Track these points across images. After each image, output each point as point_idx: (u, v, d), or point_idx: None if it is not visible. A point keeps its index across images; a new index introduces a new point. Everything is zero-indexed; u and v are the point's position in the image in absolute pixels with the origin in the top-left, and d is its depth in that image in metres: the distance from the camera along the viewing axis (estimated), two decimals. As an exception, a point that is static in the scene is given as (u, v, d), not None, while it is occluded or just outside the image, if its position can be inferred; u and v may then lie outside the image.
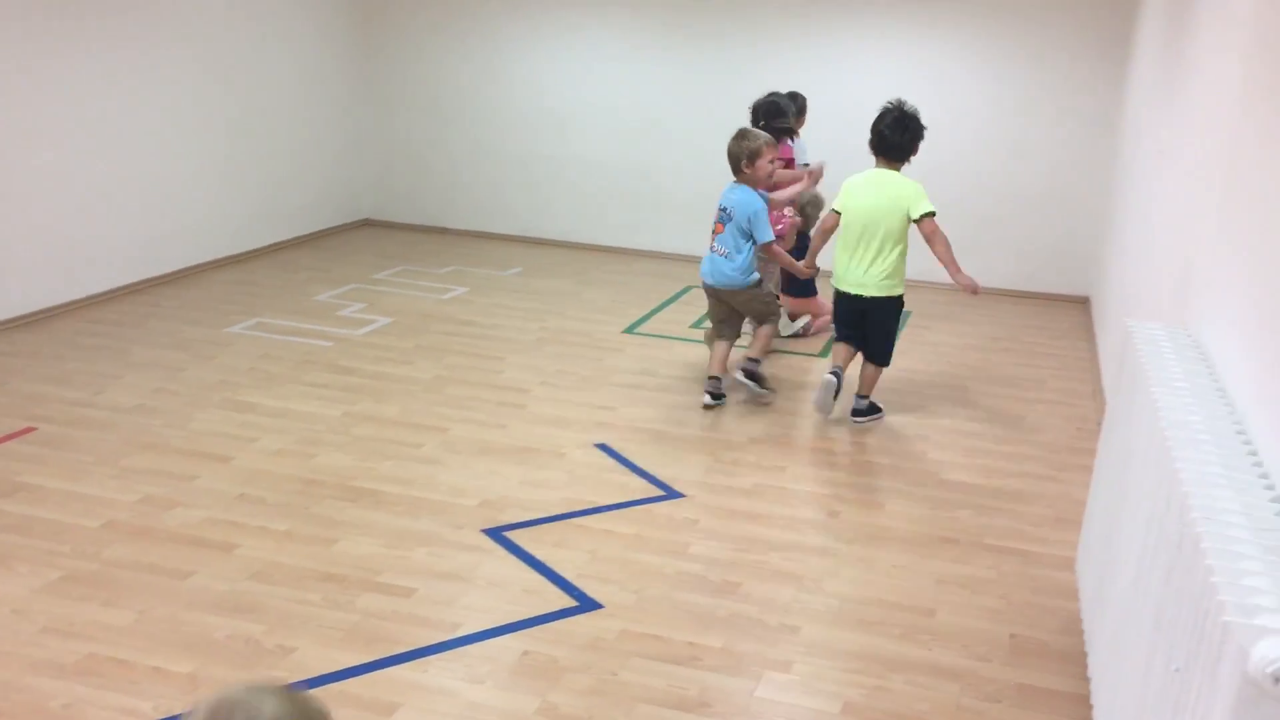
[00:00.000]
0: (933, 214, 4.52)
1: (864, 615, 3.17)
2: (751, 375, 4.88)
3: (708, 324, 5.29)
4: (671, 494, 3.93)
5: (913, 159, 4.67)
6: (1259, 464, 2.00)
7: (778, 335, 5.22)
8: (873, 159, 4.67)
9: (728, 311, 4.95)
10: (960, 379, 5.40)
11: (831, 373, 4.69)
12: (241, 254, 7.02)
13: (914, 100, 6.51)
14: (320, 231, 7.84)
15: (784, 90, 6.05)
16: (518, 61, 7.78)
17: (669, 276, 7.20)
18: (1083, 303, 6.97)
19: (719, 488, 4.00)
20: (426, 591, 3.18)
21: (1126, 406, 2.74)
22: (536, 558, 3.40)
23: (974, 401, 5.08)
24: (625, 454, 4.26)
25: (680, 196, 7.64)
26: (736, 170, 4.84)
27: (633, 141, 7.68)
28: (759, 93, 7.16)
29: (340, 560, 3.34)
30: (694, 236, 7.64)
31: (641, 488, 3.97)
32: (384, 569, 3.30)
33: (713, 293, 4.91)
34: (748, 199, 4.77)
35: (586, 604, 3.16)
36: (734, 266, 4.80)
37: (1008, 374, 5.52)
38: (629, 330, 5.94)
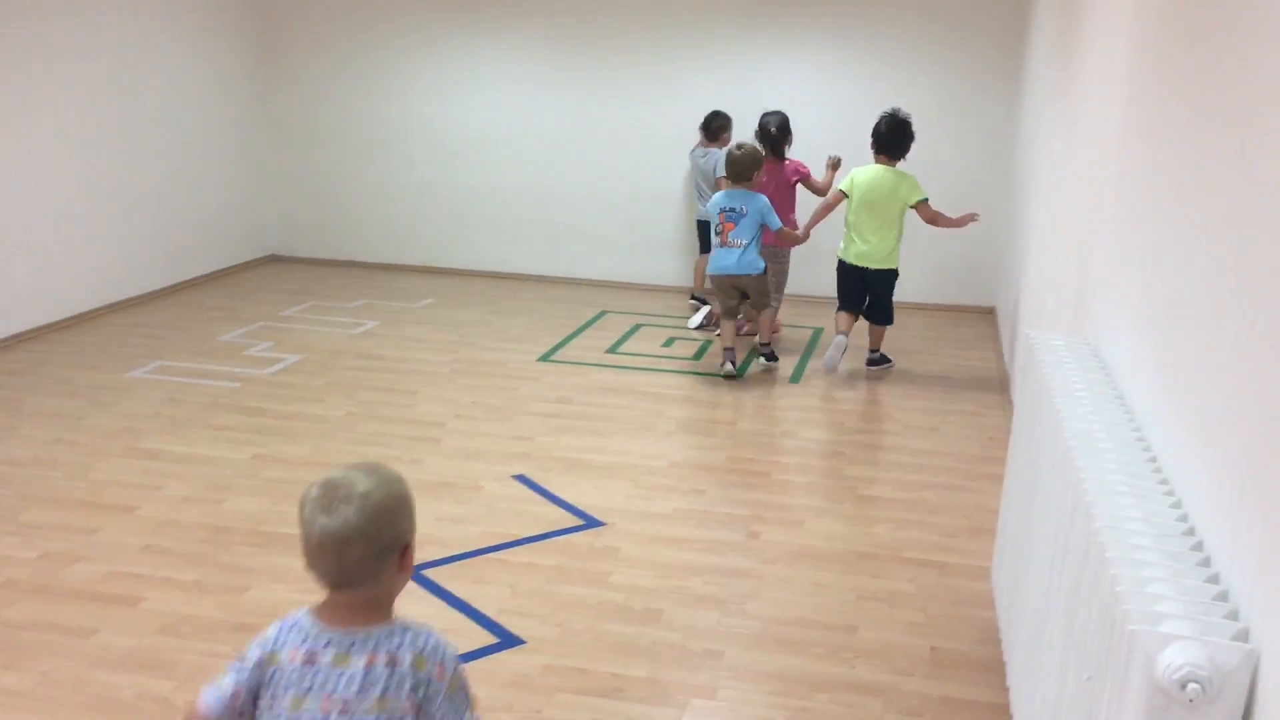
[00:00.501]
0: (926, 199, 5.60)
1: (787, 636, 3.18)
2: (770, 357, 5.77)
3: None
4: (592, 522, 3.90)
5: (907, 156, 5.68)
6: (1159, 470, 2.05)
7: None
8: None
9: (739, 297, 5.74)
10: (874, 393, 5.46)
11: (841, 334, 5.66)
12: (142, 295, 6.83)
13: (820, 121, 6.79)
14: (225, 269, 7.68)
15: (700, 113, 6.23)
16: (422, 91, 7.73)
17: (583, 302, 7.19)
18: (989, 313, 7.11)
19: (639, 514, 3.98)
20: (343, 636, 3.10)
21: (1031, 417, 2.79)
22: (456, 595, 3.35)
23: (888, 415, 5.15)
24: (544, 484, 4.22)
25: (591, 221, 7.64)
26: (745, 178, 5.65)
27: (542, 168, 7.67)
28: (665, 116, 7.26)
29: (253, 609, 3.24)
30: (606, 260, 7.64)
31: (561, 518, 3.93)
32: (298, 615, 3.21)
33: (731, 280, 5.67)
34: (757, 198, 5.65)
35: (508, 640, 3.12)
36: (751, 256, 5.63)
37: (919, 386, 5.61)
38: (544, 358, 5.90)
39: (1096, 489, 1.95)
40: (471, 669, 2.96)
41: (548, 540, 3.75)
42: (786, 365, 5.89)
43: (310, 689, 1.61)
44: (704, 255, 6.66)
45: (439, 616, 3.22)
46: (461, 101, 7.68)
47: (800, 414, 5.14)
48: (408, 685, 1.62)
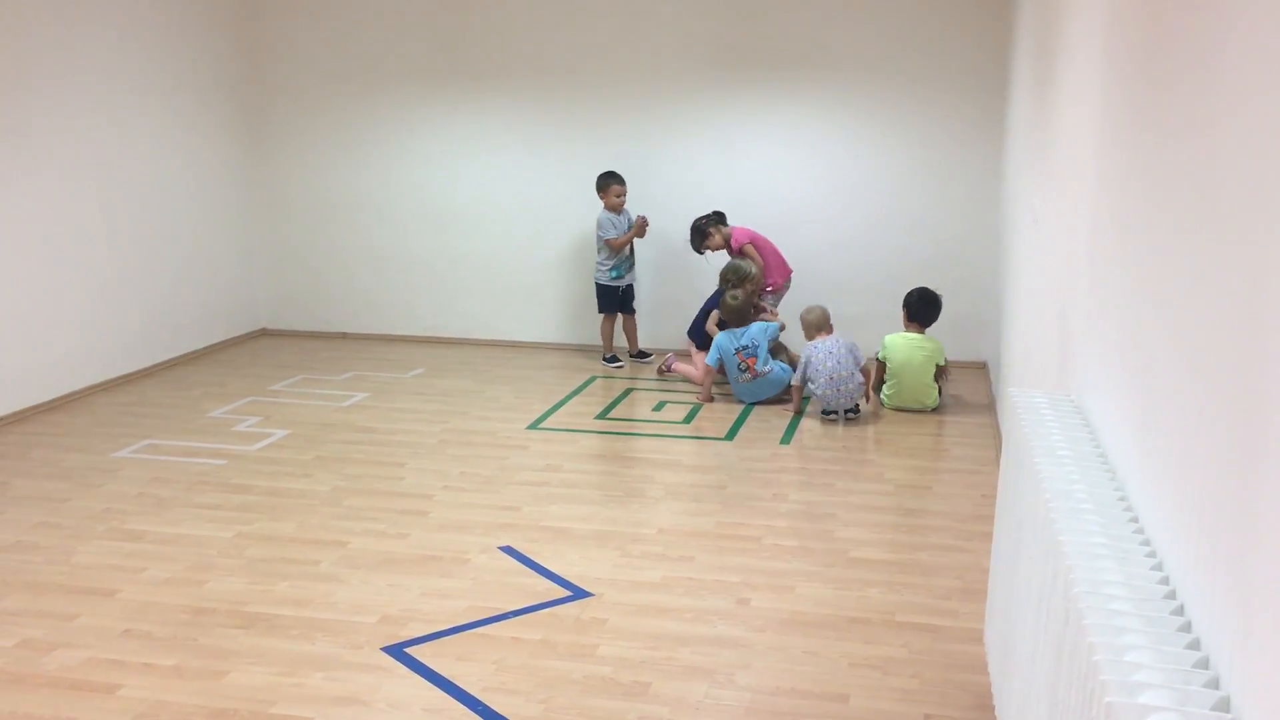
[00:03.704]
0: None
1: (777, 707, 3.10)
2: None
3: None
4: (579, 593, 3.84)
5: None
6: (1140, 531, 2.00)
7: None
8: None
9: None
10: (865, 453, 5.42)
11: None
12: (131, 374, 6.81)
13: (810, 182, 6.89)
14: (215, 345, 7.67)
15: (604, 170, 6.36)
16: (410, 162, 7.78)
17: (573, 368, 7.17)
18: (981, 368, 7.08)
19: (627, 583, 3.92)
20: (323, 720, 3.04)
21: (1014, 476, 2.75)
22: (439, 673, 3.28)
23: (879, 475, 5.10)
24: (531, 555, 4.16)
25: (580, 287, 7.64)
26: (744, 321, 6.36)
27: (530, 235, 7.69)
28: (651, 182, 7.30)
29: (231, 693, 3.18)
30: (595, 326, 7.63)
31: (548, 589, 3.87)
32: (278, 699, 3.14)
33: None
34: (755, 328, 6.34)
35: (491, 719, 3.05)
36: (776, 372, 6.24)
37: (911, 444, 5.56)
38: (533, 426, 5.87)
39: (1076, 552, 1.90)
40: (454, 751, 2.89)
41: (534, 613, 3.69)
42: (777, 427, 5.85)
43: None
44: (609, 316, 7.25)
45: (421, 697, 3.15)
46: (448, 171, 7.72)
47: (791, 476, 5.09)
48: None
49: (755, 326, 6.29)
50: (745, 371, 6.19)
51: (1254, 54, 1.49)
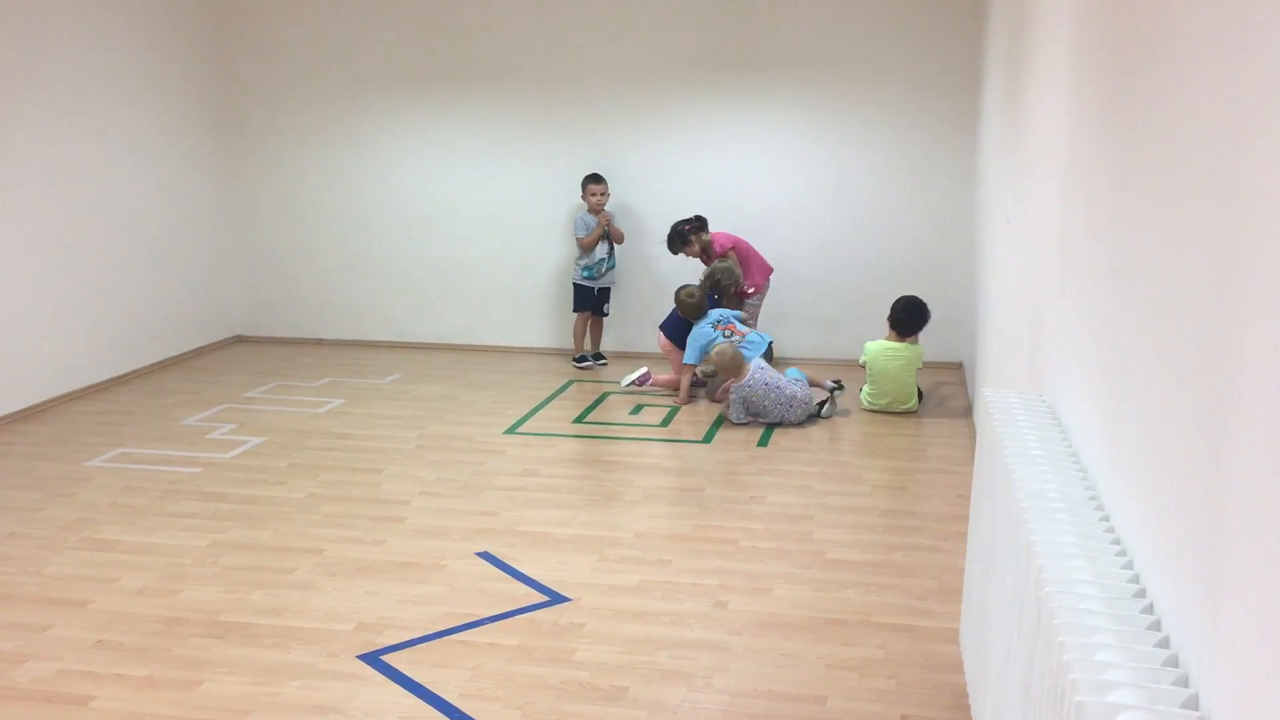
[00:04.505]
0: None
1: (754, 710, 3.10)
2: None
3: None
4: (556, 598, 3.83)
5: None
6: (1111, 530, 2.01)
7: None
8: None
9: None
10: (842, 454, 5.43)
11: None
12: (104, 382, 6.75)
13: (786, 184, 6.90)
14: (189, 352, 7.61)
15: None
16: (384, 166, 7.75)
17: (550, 372, 7.15)
18: (957, 368, 7.11)
19: (605, 587, 3.91)
20: (298, 729, 3.02)
21: (987, 476, 2.76)
22: (415, 680, 3.26)
23: (857, 476, 5.11)
24: (508, 560, 4.15)
25: (556, 292, 7.63)
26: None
27: (506, 239, 7.68)
28: (629, 184, 7.30)
29: (205, 703, 3.15)
30: (571, 332, 7.62)
31: (525, 595, 3.86)
32: (252, 709, 3.12)
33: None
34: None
35: (468, 726, 3.03)
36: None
37: (888, 445, 5.58)
38: (510, 431, 5.85)
39: (1047, 551, 1.91)
40: (430, 758, 2.88)
41: (511, 618, 3.67)
42: (754, 430, 5.85)
43: None
44: (582, 316, 7.28)
45: (398, 704, 3.13)
46: (423, 175, 7.70)
47: (768, 478, 5.09)
48: None
49: (715, 311, 6.37)
50: (730, 338, 6.20)
51: (1225, 50, 1.50)
